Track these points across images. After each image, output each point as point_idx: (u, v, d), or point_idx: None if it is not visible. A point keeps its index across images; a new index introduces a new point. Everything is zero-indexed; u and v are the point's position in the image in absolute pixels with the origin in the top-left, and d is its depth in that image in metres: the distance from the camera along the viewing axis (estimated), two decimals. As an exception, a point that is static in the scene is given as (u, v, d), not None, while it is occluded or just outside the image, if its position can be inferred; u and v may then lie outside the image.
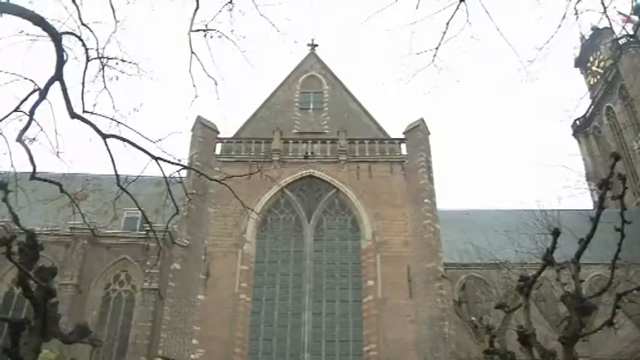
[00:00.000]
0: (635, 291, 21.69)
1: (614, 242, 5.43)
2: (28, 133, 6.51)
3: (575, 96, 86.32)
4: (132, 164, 8.69)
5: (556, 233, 6.20)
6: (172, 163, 7.48)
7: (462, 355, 28.60)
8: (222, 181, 9.29)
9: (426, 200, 36.30)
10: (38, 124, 6.73)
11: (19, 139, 6.28)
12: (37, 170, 6.65)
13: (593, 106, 61.83)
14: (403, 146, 39.48)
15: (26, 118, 6.27)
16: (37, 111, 6.28)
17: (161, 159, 7.24)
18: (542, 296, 35.49)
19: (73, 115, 6.54)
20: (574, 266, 5.80)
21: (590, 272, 35.26)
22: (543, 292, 35.41)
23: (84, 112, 6.90)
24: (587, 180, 59.75)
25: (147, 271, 31.54)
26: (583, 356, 29.73)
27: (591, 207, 51.21)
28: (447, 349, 30.10)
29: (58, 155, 7.58)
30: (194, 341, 32.01)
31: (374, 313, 33.20)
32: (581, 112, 63.66)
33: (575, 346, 6.32)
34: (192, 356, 31.59)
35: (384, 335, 32.23)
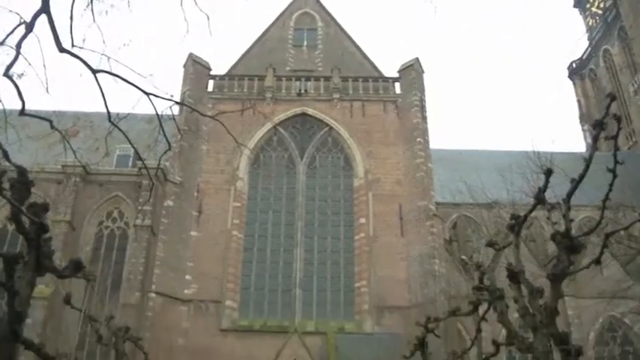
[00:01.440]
0: (622, 231, 22.02)
1: (605, 185, 5.45)
2: (16, 69, 6.39)
3: (573, 38, 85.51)
4: (123, 102, 8.59)
5: (548, 173, 6.21)
6: (164, 99, 7.37)
7: (452, 292, 29.14)
8: (214, 117, 9.19)
9: (419, 139, 36.31)
10: (26, 59, 6.60)
11: (6, 74, 6.16)
12: (26, 108, 6.55)
13: (590, 48, 61.38)
14: (397, 85, 39.23)
15: (13, 53, 6.14)
16: (24, 45, 6.15)
17: (153, 94, 7.13)
18: (531, 236, 36.01)
19: (62, 50, 6.40)
20: (565, 205, 5.83)
21: (580, 214, 35.71)
22: (533, 232, 35.91)
23: (73, 46, 6.75)
24: (580, 122, 59.92)
25: (139, 208, 31.64)
26: (570, 294, 30.57)
27: (584, 150, 51.47)
28: (436, 285, 30.66)
29: (47, 91, 7.46)
30: (187, 277, 32.47)
31: (365, 250, 33.64)
32: (578, 54, 63.38)
33: (562, 284, 6.42)
34: (185, 291, 32.09)
35: (375, 272, 32.75)
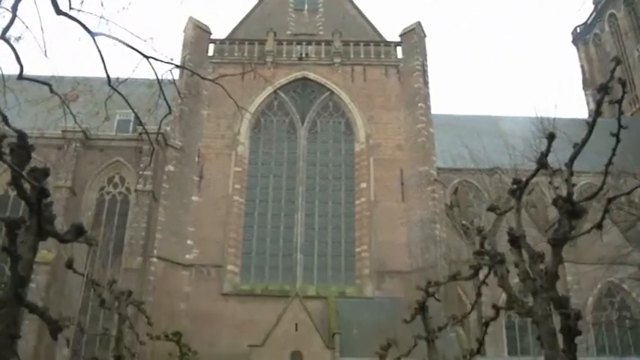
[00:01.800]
0: (622, 198, 21.99)
1: (607, 151, 5.40)
2: (13, 32, 6.29)
3: (578, 2, 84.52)
4: (122, 67, 8.50)
5: (551, 137, 6.16)
6: (164, 62, 7.27)
7: (453, 257, 29.31)
8: (214, 81, 9.09)
9: (420, 104, 36.16)
10: (22, 22, 6.49)
11: (3, 37, 6.06)
12: (24, 73, 6.45)
13: (595, 13, 60.57)
14: (399, 49, 38.92)
15: (9, 15, 6.02)
16: (20, 7, 6.03)
17: (152, 58, 7.04)
18: (532, 202, 36.09)
19: (59, 12, 6.28)
20: (567, 170, 5.79)
21: (580, 180, 35.73)
22: (534, 199, 35.97)
23: (70, 9, 6.63)
24: (583, 88, 59.48)
25: (140, 173, 31.65)
26: (569, 260, 30.75)
27: (587, 116, 51.24)
28: (437, 250, 30.83)
29: (45, 54, 7.36)
30: (189, 242, 32.64)
31: (366, 215, 33.75)
32: (582, 18, 62.60)
33: (563, 250, 6.43)
34: (187, 256, 32.30)
35: (376, 237, 32.90)
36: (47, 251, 28.20)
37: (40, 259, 27.25)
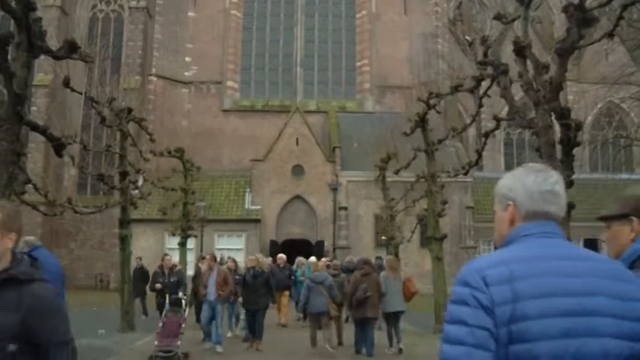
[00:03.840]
0: (635, 14, 21.15)
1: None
2: None
3: None
4: None
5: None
6: None
7: (455, 73, 28.97)
8: None
9: None
10: None
11: None
12: None
13: None
14: None
15: None
16: None
17: None
18: (538, 18, 35.09)
19: None
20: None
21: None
22: (540, 15, 34.93)
23: None
24: None
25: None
26: (572, 79, 30.50)
27: None
28: (439, 65, 30.43)
29: None
30: (187, 59, 32.21)
31: (367, 28, 32.97)
32: None
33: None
34: (185, 74, 32.04)
35: (377, 51, 32.39)
36: (44, 74, 28.04)
37: (38, 82, 27.30)
